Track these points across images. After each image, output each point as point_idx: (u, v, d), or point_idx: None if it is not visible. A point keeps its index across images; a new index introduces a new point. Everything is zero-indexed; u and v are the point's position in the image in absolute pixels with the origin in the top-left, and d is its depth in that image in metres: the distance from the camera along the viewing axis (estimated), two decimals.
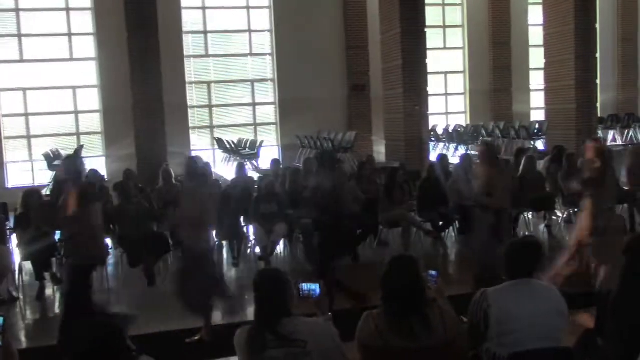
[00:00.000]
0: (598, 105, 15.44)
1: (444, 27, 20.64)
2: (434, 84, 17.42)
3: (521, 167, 9.40)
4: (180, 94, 17.26)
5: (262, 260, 8.01)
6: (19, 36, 16.55)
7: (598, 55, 14.95)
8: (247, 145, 17.34)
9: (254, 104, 18.98)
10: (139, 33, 14.85)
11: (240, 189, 8.91)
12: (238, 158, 16.04)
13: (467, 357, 3.41)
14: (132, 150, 15.27)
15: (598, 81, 15.08)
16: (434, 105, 17.59)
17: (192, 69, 18.23)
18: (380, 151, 16.79)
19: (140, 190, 9.17)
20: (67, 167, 5.89)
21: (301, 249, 8.30)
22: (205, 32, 18.38)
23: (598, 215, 5.90)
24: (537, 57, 18.33)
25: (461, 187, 8.74)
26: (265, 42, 18.85)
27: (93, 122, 17.30)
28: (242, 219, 8.58)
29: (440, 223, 8.71)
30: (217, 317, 6.20)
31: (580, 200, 6.58)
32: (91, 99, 17.10)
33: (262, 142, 17.34)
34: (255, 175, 11.79)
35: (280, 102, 18.58)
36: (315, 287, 3.35)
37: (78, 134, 17.22)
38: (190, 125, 18.11)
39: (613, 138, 19.78)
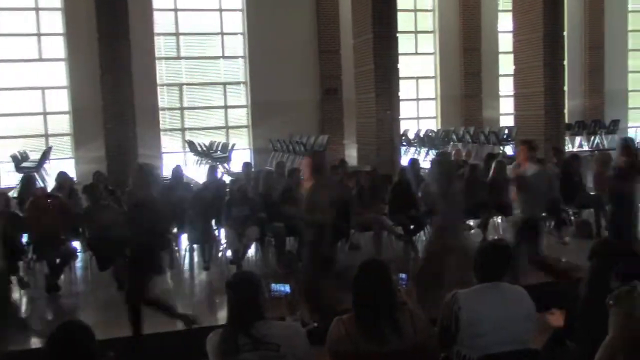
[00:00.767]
0: (565, 111, 15.73)
1: (416, 32, 20.83)
2: (405, 89, 17.58)
3: (491, 171, 9.52)
4: (151, 96, 17.13)
5: (233, 264, 7.97)
6: None
7: (566, 62, 15.23)
8: (219, 148, 17.26)
9: (226, 107, 18.93)
10: (109, 34, 14.70)
11: (212, 192, 8.86)
12: (209, 161, 15.96)
13: (438, 359, 3.44)
14: (102, 153, 15.10)
15: (566, 88, 15.36)
16: (406, 109, 17.76)
17: (163, 71, 18.12)
18: (351, 155, 16.86)
19: (110, 193, 9.07)
20: None
21: (273, 252, 8.29)
22: (177, 34, 18.27)
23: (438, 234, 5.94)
24: (506, 64, 18.60)
25: (432, 191, 8.82)
26: (237, 45, 18.81)
27: (62, 123, 17.08)
28: (213, 222, 8.53)
29: (412, 227, 8.77)
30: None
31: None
32: (60, 100, 16.88)
33: (233, 145, 17.28)
34: (227, 179, 11.73)
35: (253, 105, 18.56)
36: (285, 288, 3.36)
37: (47, 136, 16.98)
38: (162, 127, 17.98)
39: (580, 144, 20.17)
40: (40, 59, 16.77)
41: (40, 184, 12.00)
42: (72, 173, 13.58)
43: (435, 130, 20.02)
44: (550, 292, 6.12)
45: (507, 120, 19.77)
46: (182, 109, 18.53)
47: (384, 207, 8.97)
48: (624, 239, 6.64)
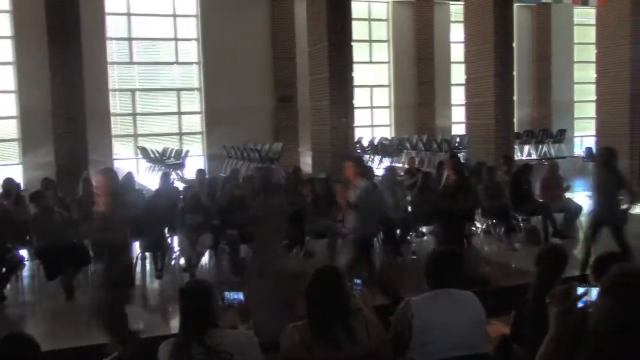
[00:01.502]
0: (515, 120, 16.10)
1: (370, 41, 21.06)
2: (360, 97, 17.73)
3: (443, 179, 9.68)
4: (102, 101, 16.83)
5: (186, 271, 7.88)
6: None
7: (515, 73, 15.60)
8: (172, 155, 17.07)
9: (179, 113, 18.74)
10: (60, 37, 14.36)
11: (165, 199, 8.75)
12: (163, 167, 15.76)
13: None
14: (51, 158, 14.72)
15: (515, 98, 15.73)
16: (360, 117, 17.90)
17: (115, 76, 17.83)
18: (306, 162, 16.89)
19: (59, 200, 8.85)
20: None
21: (227, 260, 8.23)
22: (129, 39, 18.02)
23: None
24: (458, 73, 18.95)
25: (386, 199, 8.92)
26: (192, 51, 18.66)
27: (9, 128, 16.60)
28: (166, 229, 8.43)
29: None
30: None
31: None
32: (8, 104, 16.41)
33: (187, 151, 17.13)
34: (181, 185, 11.60)
35: (207, 111, 18.44)
36: (239, 295, 3.35)
37: None
38: (113, 133, 17.68)
39: (528, 152, 20.69)
40: None
41: None
42: (19, 179, 13.25)
43: (389, 138, 20.24)
44: (500, 297, 6.26)
45: (459, 129, 20.15)
46: (134, 114, 18.26)
47: (338, 215, 9.01)
48: None
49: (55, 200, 8.46)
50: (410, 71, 21.05)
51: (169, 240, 8.46)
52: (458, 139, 18.80)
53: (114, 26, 17.77)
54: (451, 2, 21.15)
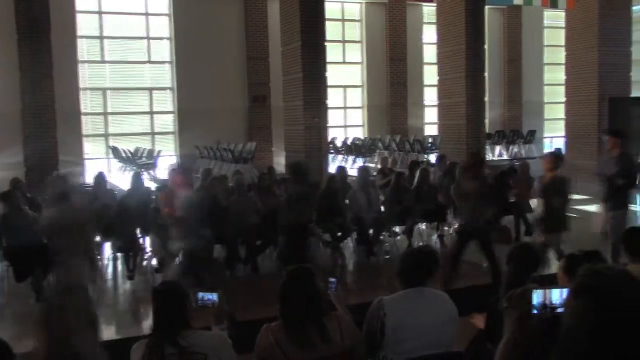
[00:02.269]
0: (486, 121, 16.29)
1: (344, 42, 21.12)
2: (333, 97, 17.77)
3: (415, 179, 9.76)
4: (73, 100, 16.61)
5: (158, 272, 7.83)
6: None
7: (486, 74, 15.79)
8: (144, 155, 16.91)
9: (151, 113, 18.58)
10: (29, 35, 14.10)
11: (137, 199, 8.67)
12: (134, 167, 15.61)
13: None
14: (20, 159, 14.45)
15: (486, 99, 15.93)
16: (333, 118, 17.95)
17: (86, 75, 17.60)
18: (280, 162, 16.88)
19: (29, 200, 8.72)
20: None
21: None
22: (101, 37, 17.82)
23: None
24: (430, 74, 19.11)
25: (359, 198, 8.97)
26: (164, 50, 18.52)
27: None
28: (138, 230, 8.35)
29: (339, 234, 8.86)
30: (111, 332, 6.01)
31: None
32: None
33: (159, 151, 16.98)
34: (153, 185, 11.51)
35: (179, 111, 18.31)
36: (212, 296, 3.33)
37: None
38: (84, 132, 17.46)
39: (499, 153, 20.93)
40: None
41: None
42: None
43: (362, 138, 20.31)
44: (472, 296, 6.32)
45: (431, 129, 20.30)
46: (105, 114, 18.05)
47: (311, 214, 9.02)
48: None
49: (25, 200, 8.32)
50: (383, 72, 21.16)
51: (141, 240, 8.39)
52: (430, 139, 18.95)
53: (84, 24, 17.54)
54: (424, 4, 21.31)
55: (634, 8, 17.14)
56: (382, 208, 9.42)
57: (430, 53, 19.72)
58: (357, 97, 21.42)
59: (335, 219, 8.78)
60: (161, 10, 18.40)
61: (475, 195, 7.04)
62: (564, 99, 17.36)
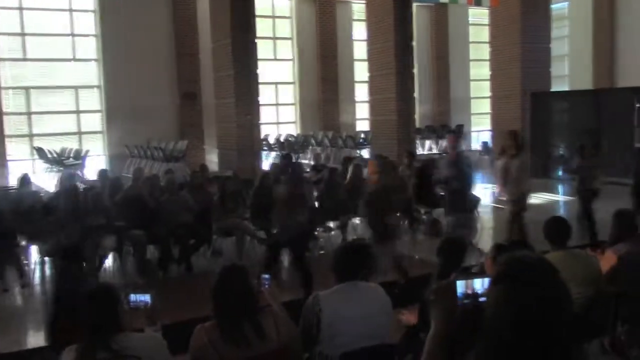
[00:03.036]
0: (416, 116, 16.62)
1: (275, 38, 21.08)
2: (265, 94, 17.72)
3: (348, 174, 9.87)
4: None
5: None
6: None
7: (415, 70, 16.11)
8: (71, 155, 16.41)
9: (78, 112, 18.03)
10: None
11: (64, 200, 8.40)
12: (61, 168, 15.13)
13: None
14: None
15: (416, 94, 16.24)
16: (266, 115, 17.89)
17: (7, 74, 16.91)
18: (212, 160, 16.71)
19: None
20: None
21: (132, 262, 8.02)
22: (22, 34, 17.14)
23: None
24: (361, 71, 19.32)
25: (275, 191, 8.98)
26: (90, 47, 17.98)
27: None
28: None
29: (274, 230, 8.85)
30: (39, 339, 5.82)
31: None
32: None
33: (87, 151, 16.51)
34: (81, 186, 11.18)
35: (108, 109, 17.84)
36: (145, 297, 3.29)
37: None
38: (6, 133, 16.77)
39: (429, 147, 21.40)
40: None
41: None
42: None
43: (295, 135, 20.35)
44: (405, 289, 6.46)
45: (363, 125, 20.54)
46: (29, 113, 17.40)
47: (246, 212, 8.99)
48: None
49: None
50: (315, 68, 21.25)
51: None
52: (362, 135, 19.18)
53: (4, 20, 16.83)
54: (353, 1, 21.52)
55: (553, 6, 17.86)
56: (316, 204, 9.47)
57: (360, 50, 19.94)
58: (289, 93, 21.43)
59: (269, 216, 8.77)
60: (86, 7, 17.85)
61: (287, 201, 6.83)
62: (489, 94, 17.92)
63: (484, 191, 11.87)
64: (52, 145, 17.01)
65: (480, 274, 3.41)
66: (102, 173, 10.34)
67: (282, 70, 21.21)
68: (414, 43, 15.89)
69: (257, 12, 15.24)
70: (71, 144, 17.51)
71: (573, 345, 1.59)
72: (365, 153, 17.86)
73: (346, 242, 7.76)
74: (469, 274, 2.27)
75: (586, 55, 21.24)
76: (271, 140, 19.87)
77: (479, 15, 22.82)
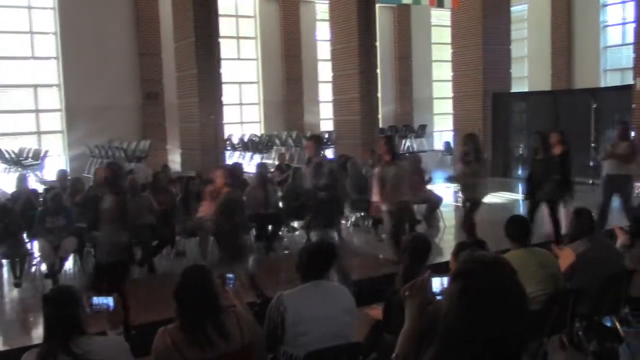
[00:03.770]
0: (379, 117, 16.73)
1: (238, 38, 20.98)
2: (229, 94, 17.62)
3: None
4: None
5: (48, 278, 7.48)
6: None
7: (379, 71, 16.21)
8: (30, 155, 16.07)
9: (37, 111, 17.65)
10: None
11: (22, 202, 8.24)
12: (19, 169, 14.81)
13: None
14: None
15: (379, 95, 16.35)
16: (229, 114, 17.79)
17: None
18: (175, 160, 16.55)
19: None
20: None
21: (93, 263, 7.89)
22: None
23: None
24: (325, 71, 19.36)
25: (257, 195, 8.97)
26: (49, 45, 17.61)
27: None
28: (25, 235, 7.94)
29: None
30: None
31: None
32: None
33: (47, 151, 16.18)
34: (40, 187, 10.96)
35: (68, 109, 17.50)
36: (108, 301, 3.24)
37: None
38: None
39: None
40: None
41: None
42: None
43: (259, 134, 20.30)
44: (370, 287, 6.50)
45: (327, 125, 20.59)
46: None
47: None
48: None
49: None
50: (278, 68, 21.21)
51: (28, 246, 7.98)
52: (326, 135, 19.23)
53: None
54: (317, 1, 21.55)
55: (513, 8, 18.18)
56: (280, 204, 9.47)
57: (324, 50, 19.98)
58: (253, 93, 21.35)
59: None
60: (45, 4, 17.48)
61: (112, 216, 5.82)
62: (451, 95, 18.15)
63: (446, 190, 12.01)
64: (10, 145, 16.62)
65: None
66: (62, 174, 10.14)
67: (245, 69, 21.13)
68: (377, 44, 15.99)
69: (220, 11, 15.14)
70: (30, 143, 17.13)
71: (527, 340, 1.64)
72: (329, 153, 17.89)
73: (310, 242, 7.77)
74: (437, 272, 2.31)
75: (545, 56, 21.68)
76: (235, 140, 19.78)
77: (441, 17, 23.08)
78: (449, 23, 18.40)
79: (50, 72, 17.72)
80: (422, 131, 22.24)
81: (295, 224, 9.78)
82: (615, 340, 4.75)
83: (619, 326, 4.81)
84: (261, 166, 9.77)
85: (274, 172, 11.44)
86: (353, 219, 10.18)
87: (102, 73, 17.16)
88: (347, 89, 15.48)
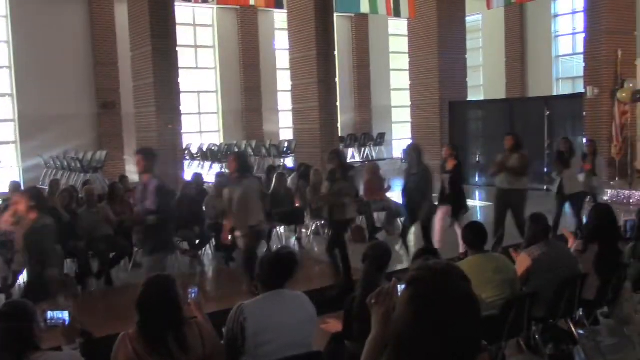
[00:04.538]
0: (339, 125, 16.81)
1: (196, 47, 20.85)
2: (187, 103, 17.48)
3: (272, 184, 9.88)
4: None
5: (1, 292, 7.28)
6: None
7: (338, 79, 16.30)
8: None
9: None
10: None
11: None
12: None
13: None
14: None
15: (338, 104, 16.44)
16: (188, 124, 17.65)
17: None
18: (133, 170, 16.30)
19: None
20: None
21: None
22: None
23: None
24: (284, 80, 19.38)
25: (216, 205, 8.90)
26: (1, 54, 17.19)
27: None
28: None
29: (197, 241, 8.75)
30: None
31: None
32: None
33: None
34: None
35: (21, 119, 17.08)
36: (63, 315, 3.18)
37: None
38: None
39: (352, 155, 21.70)
40: None
41: None
42: None
43: (218, 144, 20.17)
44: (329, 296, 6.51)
45: (286, 134, 20.58)
46: None
47: None
48: None
49: None
50: (237, 77, 21.14)
51: None
52: (286, 144, 19.23)
53: None
54: (275, 10, 21.51)
55: (468, 18, 18.53)
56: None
57: (283, 59, 19.99)
58: (211, 102, 21.22)
59: (192, 227, 8.66)
60: None
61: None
62: (409, 103, 18.35)
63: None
64: None
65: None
66: (15, 185, 9.89)
67: (204, 79, 21.00)
68: (336, 52, 16.09)
69: (178, 20, 15.01)
70: None
71: (479, 345, 1.67)
72: (289, 162, 17.89)
73: (271, 251, 7.75)
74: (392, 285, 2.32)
75: (499, 65, 22.13)
76: (194, 150, 19.61)
77: (398, 27, 23.35)
78: (406, 32, 18.64)
79: (3, 81, 17.29)
80: (381, 139, 22.42)
81: None
82: (570, 343, 4.86)
83: (573, 329, 4.93)
84: (220, 176, 9.71)
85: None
86: (313, 227, 10.19)
87: (57, 82, 16.84)
88: (306, 97, 15.52)
